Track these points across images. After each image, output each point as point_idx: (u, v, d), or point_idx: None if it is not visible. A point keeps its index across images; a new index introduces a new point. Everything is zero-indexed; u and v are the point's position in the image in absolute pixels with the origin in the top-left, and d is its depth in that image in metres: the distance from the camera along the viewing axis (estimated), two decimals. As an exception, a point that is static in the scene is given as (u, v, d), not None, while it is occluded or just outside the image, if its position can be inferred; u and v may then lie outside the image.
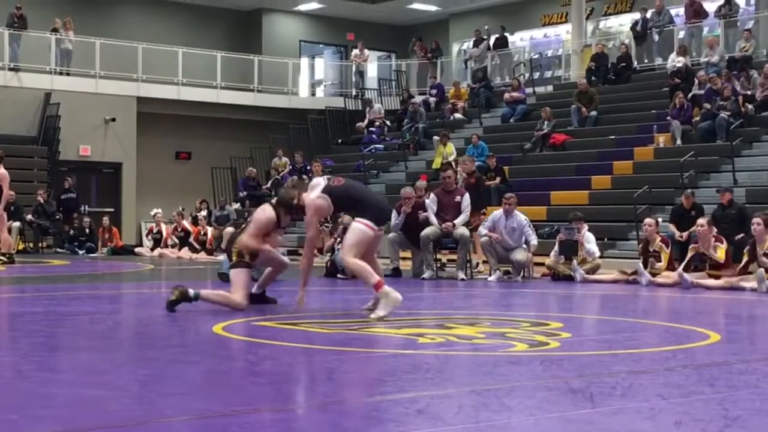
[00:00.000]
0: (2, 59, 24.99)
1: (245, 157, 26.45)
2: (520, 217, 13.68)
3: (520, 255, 13.39)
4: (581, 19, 26.20)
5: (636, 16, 24.91)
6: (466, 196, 14.03)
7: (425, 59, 29.11)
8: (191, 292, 7.99)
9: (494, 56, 27.78)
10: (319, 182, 8.29)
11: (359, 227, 8.04)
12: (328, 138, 27.48)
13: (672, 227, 14.74)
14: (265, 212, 8.25)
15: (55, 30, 25.53)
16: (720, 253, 12.09)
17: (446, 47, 30.40)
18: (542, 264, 14.16)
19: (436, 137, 22.43)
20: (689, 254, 12.47)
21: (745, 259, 11.67)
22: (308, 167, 21.70)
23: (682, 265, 12.31)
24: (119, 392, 4.55)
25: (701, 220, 12.50)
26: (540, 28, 29.31)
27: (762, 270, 11.25)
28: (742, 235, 13.15)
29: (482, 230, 13.70)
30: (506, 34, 27.83)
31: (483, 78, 25.84)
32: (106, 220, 22.59)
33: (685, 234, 14.38)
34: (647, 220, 13.23)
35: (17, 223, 21.55)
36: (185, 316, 8.10)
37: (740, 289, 11.47)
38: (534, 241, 13.64)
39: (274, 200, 8.51)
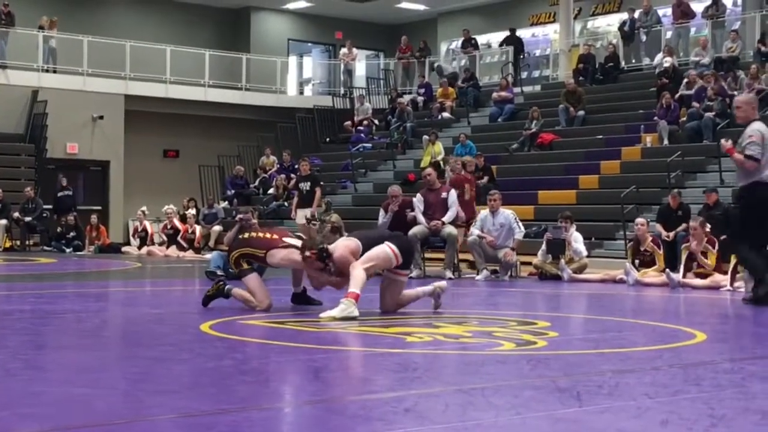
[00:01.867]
0: (-11, 56, 24.92)
1: (233, 156, 26.39)
2: (506, 212, 13.70)
3: (506, 253, 13.38)
4: (569, 19, 26.21)
5: (624, 16, 24.95)
6: (452, 192, 14.01)
7: (406, 59, 29.03)
8: (226, 288, 8.22)
9: (482, 56, 27.85)
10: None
11: (386, 249, 7.94)
12: (316, 137, 27.44)
13: (659, 227, 14.77)
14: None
15: (41, 27, 25.44)
16: (711, 260, 12.10)
17: (434, 46, 30.40)
18: (529, 263, 14.18)
19: (426, 136, 22.41)
20: (684, 254, 12.47)
21: (733, 261, 11.69)
22: (296, 166, 21.65)
23: (681, 268, 12.32)
24: (107, 390, 4.55)
25: (693, 223, 12.50)
26: (528, 27, 29.32)
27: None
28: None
29: (474, 231, 13.69)
30: (518, 34, 27.70)
31: (471, 77, 25.86)
32: (93, 218, 22.50)
33: (671, 234, 14.41)
34: (639, 220, 13.22)
35: (4, 221, 21.47)
36: (172, 315, 8.10)
37: (726, 290, 11.52)
38: (518, 235, 13.61)
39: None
